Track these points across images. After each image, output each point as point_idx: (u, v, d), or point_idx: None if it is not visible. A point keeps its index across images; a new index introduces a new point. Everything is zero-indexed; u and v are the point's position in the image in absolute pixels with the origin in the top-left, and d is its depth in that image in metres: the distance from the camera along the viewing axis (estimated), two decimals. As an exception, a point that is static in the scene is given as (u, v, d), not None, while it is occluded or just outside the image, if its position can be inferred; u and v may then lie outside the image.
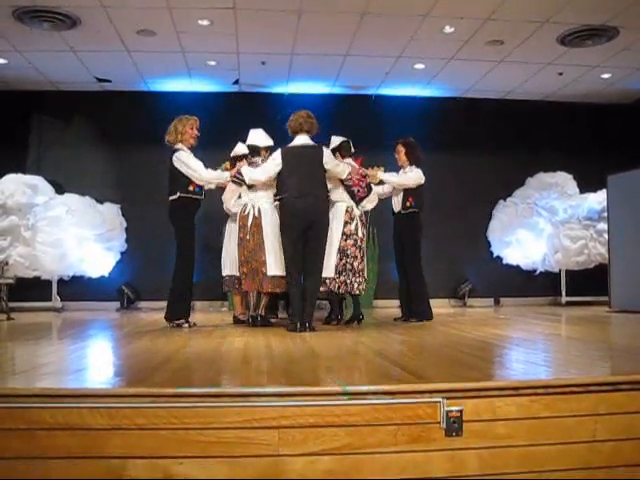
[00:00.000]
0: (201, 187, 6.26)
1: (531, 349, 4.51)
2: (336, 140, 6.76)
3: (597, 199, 9.99)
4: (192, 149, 6.33)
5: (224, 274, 6.99)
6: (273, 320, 6.94)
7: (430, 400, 2.69)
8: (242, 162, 6.52)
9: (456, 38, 8.16)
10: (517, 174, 10.45)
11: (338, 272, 6.36)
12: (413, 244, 7.00)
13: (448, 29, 7.87)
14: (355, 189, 6.56)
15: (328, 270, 6.28)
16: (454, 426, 2.66)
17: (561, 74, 9.46)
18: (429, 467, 2.65)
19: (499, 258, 10.48)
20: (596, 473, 2.73)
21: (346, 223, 6.44)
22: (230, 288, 6.99)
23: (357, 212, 6.56)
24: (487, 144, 10.53)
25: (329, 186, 6.29)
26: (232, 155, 6.87)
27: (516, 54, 8.66)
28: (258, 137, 6.71)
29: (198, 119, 6.39)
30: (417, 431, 2.66)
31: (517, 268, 10.41)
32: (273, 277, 6.14)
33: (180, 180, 6.14)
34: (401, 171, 7.08)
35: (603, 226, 9.60)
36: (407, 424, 2.66)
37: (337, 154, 6.62)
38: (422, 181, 6.97)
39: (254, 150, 6.63)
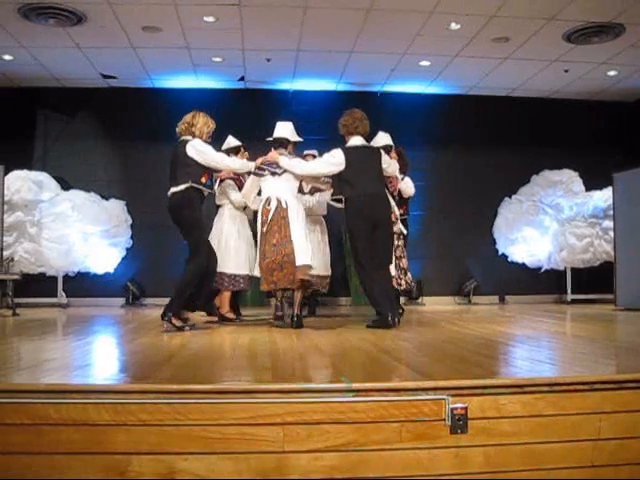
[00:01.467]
0: (212, 180, 6.05)
1: (536, 347, 4.51)
2: (385, 139, 6.79)
3: (603, 197, 9.95)
4: None
5: (234, 272, 6.90)
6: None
7: (435, 397, 2.69)
8: (275, 152, 6.20)
9: (462, 35, 8.14)
10: (522, 171, 10.42)
11: (397, 269, 6.48)
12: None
13: (454, 26, 7.85)
14: (395, 193, 6.69)
15: None
16: (459, 423, 2.66)
17: (567, 71, 9.42)
18: (434, 464, 2.65)
19: (504, 255, 10.46)
20: (601, 471, 2.73)
21: (392, 224, 6.48)
22: (229, 286, 6.93)
23: (397, 212, 6.65)
24: (492, 141, 10.51)
25: None
26: (224, 148, 6.77)
27: (522, 51, 8.63)
28: (289, 131, 6.40)
29: None
30: (422, 428, 2.66)
31: (522, 266, 10.38)
32: (303, 266, 5.93)
33: (193, 170, 5.78)
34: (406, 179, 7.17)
35: (609, 224, 9.58)
36: (412, 421, 2.66)
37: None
38: None
39: (281, 143, 6.30)
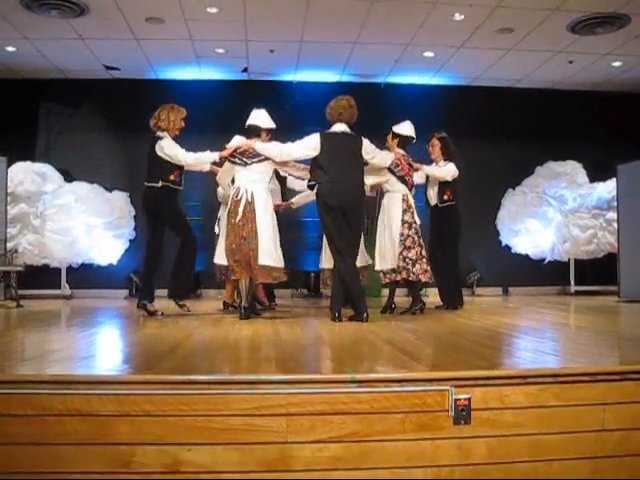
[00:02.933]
0: (181, 177, 6.28)
1: (540, 338, 4.51)
2: (407, 129, 6.72)
3: (607, 188, 9.94)
4: (175, 138, 6.34)
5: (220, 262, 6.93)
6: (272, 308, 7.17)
7: (439, 388, 2.69)
8: (252, 140, 6.13)
9: (466, 26, 8.11)
10: (526, 163, 10.39)
11: (404, 261, 6.34)
12: (454, 236, 7.05)
13: (458, 16, 7.82)
14: (407, 178, 6.59)
15: (390, 261, 6.33)
16: (462, 414, 2.66)
17: (571, 62, 9.39)
18: (437, 455, 2.65)
19: (508, 247, 10.45)
20: (604, 462, 2.73)
21: (404, 211, 6.42)
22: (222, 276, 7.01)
23: (412, 201, 6.56)
24: (496, 132, 10.48)
25: (384, 178, 6.37)
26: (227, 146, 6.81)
27: (526, 42, 8.60)
28: (261, 118, 6.34)
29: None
30: (425, 419, 2.67)
31: (526, 257, 10.37)
32: (264, 267, 5.88)
33: (162, 168, 6.16)
34: (434, 164, 7.12)
35: (612, 215, 9.56)
36: (415, 412, 2.66)
37: (395, 139, 6.66)
38: (456, 174, 7.02)
39: (254, 131, 6.26)
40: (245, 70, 9.89)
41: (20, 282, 8.37)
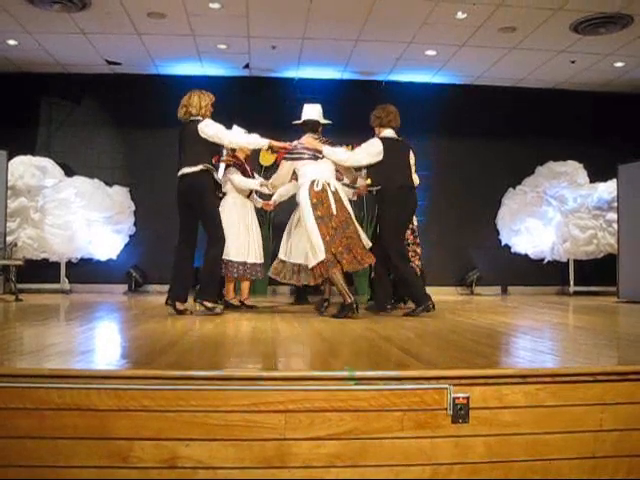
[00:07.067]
0: (218, 164, 6.08)
1: (538, 337, 4.51)
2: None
3: (607, 189, 9.94)
4: None
5: (232, 259, 6.84)
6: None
7: (437, 386, 2.69)
8: (310, 137, 6.03)
9: (468, 24, 8.10)
10: (527, 162, 10.40)
11: None
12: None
13: (460, 15, 7.81)
14: None
15: None
16: (461, 413, 2.66)
17: (574, 62, 9.38)
18: (435, 453, 2.65)
19: (507, 246, 10.46)
20: (602, 462, 2.73)
21: None
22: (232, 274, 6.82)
23: None
24: (497, 132, 10.49)
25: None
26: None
27: (528, 41, 8.59)
28: (317, 113, 6.19)
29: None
30: (424, 417, 2.66)
31: (525, 257, 10.38)
32: (368, 250, 5.79)
33: (204, 151, 5.76)
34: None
35: (613, 216, 9.56)
36: (414, 410, 2.66)
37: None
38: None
39: (312, 127, 6.10)
40: (247, 66, 9.88)
41: (19, 276, 8.38)
